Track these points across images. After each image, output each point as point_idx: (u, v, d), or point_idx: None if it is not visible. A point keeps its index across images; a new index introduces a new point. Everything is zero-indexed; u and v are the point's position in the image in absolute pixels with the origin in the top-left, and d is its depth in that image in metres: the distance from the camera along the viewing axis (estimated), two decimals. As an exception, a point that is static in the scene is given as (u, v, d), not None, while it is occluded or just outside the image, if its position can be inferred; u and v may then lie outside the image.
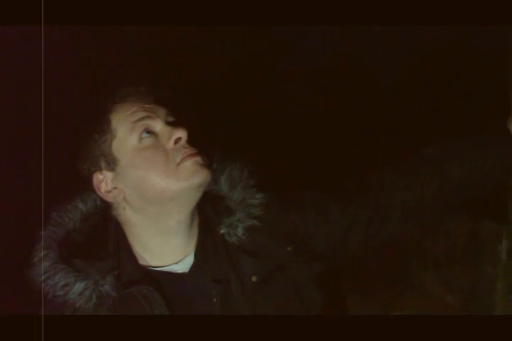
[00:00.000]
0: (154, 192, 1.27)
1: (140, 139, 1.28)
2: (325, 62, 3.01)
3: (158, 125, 1.30)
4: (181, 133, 1.28)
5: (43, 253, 1.26)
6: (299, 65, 3.07)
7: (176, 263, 1.31)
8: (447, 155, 1.41)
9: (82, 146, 1.31)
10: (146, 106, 1.31)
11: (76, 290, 1.23)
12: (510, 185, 2.12)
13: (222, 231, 1.34)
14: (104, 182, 1.30)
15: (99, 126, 1.29)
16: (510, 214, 2.17)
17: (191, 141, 1.30)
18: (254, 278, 1.31)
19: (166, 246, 1.31)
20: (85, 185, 1.32)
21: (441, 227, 2.40)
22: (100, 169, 1.30)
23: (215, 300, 1.29)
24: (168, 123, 1.30)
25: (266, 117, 2.96)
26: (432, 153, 1.43)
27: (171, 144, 1.28)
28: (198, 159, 1.28)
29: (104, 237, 1.31)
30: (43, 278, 1.25)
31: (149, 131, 1.29)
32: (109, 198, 1.31)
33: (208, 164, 1.30)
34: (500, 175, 1.43)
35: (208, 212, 1.36)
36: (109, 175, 1.30)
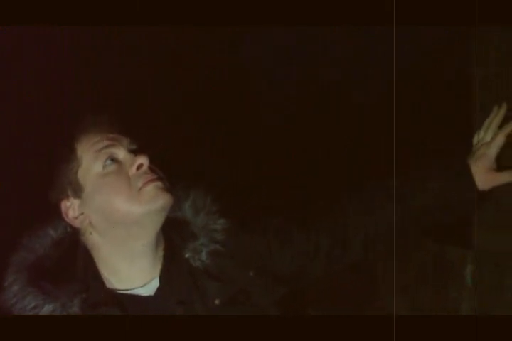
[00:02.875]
0: (118, 216, 1.30)
1: (104, 166, 1.32)
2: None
3: (121, 153, 1.33)
4: (143, 160, 1.32)
5: (12, 278, 1.30)
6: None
7: (141, 286, 1.34)
8: (408, 187, 1.44)
9: (51, 175, 1.34)
10: (110, 135, 1.34)
11: (45, 313, 1.26)
12: (474, 212, 2.16)
13: (186, 255, 1.37)
14: (71, 208, 1.34)
15: (65, 155, 1.33)
16: (474, 240, 2.19)
17: (154, 168, 1.33)
18: (217, 301, 1.34)
19: (132, 269, 1.34)
20: (54, 212, 1.36)
21: (407, 252, 2.42)
22: (67, 196, 1.34)
23: None
24: (131, 151, 1.34)
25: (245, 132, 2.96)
26: (394, 185, 1.44)
27: (133, 170, 1.32)
28: (159, 184, 1.31)
29: (72, 261, 1.34)
30: (12, 301, 1.28)
31: (113, 159, 1.33)
32: (76, 224, 1.34)
33: (168, 188, 1.32)
34: (461, 205, 1.45)
35: (173, 237, 1.39)
36: (76, 201, 1.33)
